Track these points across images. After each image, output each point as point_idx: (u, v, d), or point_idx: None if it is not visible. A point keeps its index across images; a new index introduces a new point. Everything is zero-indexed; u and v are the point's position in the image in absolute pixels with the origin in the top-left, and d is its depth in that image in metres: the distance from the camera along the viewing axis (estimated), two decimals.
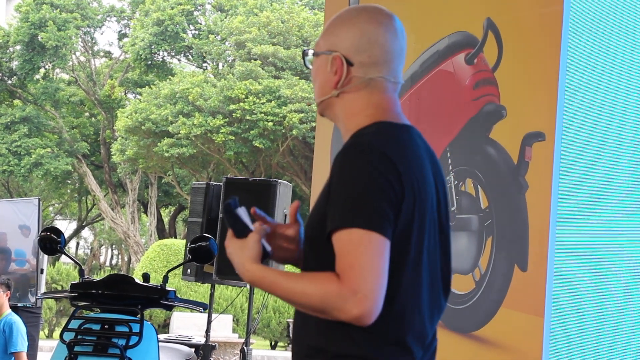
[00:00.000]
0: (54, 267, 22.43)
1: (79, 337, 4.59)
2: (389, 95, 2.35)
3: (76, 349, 4.58)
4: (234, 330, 17.72)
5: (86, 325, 4.63)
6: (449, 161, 4.93)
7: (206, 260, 4.79)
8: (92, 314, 4.78)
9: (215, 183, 7.81)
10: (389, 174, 2.19)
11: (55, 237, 4.69)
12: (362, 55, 2.33)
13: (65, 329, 4.64)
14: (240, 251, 2.30)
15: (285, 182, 7.58)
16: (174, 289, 4.85)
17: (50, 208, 36.85)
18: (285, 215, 7.34)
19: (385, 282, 2.16)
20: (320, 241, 2.24)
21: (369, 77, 2.33)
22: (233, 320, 18.35)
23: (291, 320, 21.25)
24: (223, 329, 15.92)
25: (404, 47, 2.38)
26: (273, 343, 22.35)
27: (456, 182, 4.89)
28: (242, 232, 2.31)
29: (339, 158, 2.25)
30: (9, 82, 29.70)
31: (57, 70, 29.93)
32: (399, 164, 2.21)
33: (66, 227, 38.70)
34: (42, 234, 4.73)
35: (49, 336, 21.23)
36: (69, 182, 32.01)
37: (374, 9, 2.38)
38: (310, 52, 2.43)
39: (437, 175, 2.36)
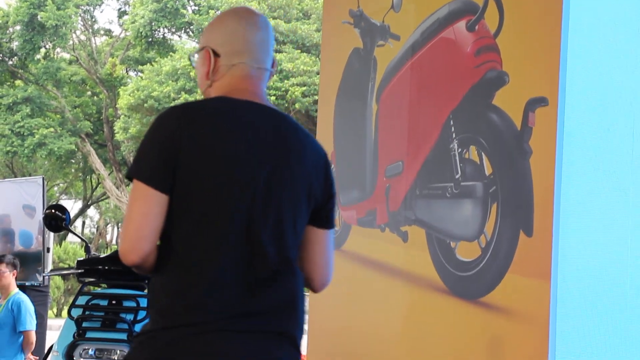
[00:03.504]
0: (60, 247, 22.48)
1: (87, 312, 4.60)
2: (249, 79, 2.67)
3: (84, 324, 4.59)
4: None
5: (94, 301, 4.64)
6: (452, 129, 4.92)
7: None
8: (99, 290, 4.79)
9: None
10: (171, 133, 2.48)
11: (60, 215, 4.70)
12: (226, 46, 2.67)
13: (73, 305, 4.66)
14: None
15: None
16: None
17: (55, 188, 36.88)
18: None
19: (145, 225, 2.44)
20: None
21: (231, 63, 2.66)
22: None
23: None
24: None
25: (266, 39, 2.72)
26: None
27: (460, 149, 4.88)
28: None
29: None
30: (10, 62, 29.65)
31: (58, 49, 29.85)
32: (186, 126, 2.49)
33: (72, 206, 38.75)
34: (47, 211, 4.74)
35: (58, 315, 21.31)
36: (73, 161, 32.02)
37: (241, 8, 2.74)
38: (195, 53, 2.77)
39: (281, 155, 2.57)
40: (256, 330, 2.48)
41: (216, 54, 2.67)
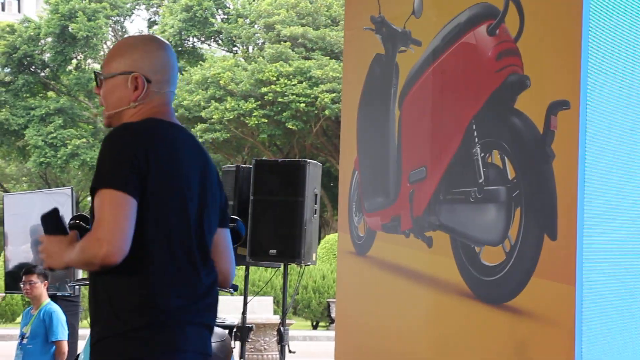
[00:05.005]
0: None
1: None
2: (168, 104, 2.92)
3: None
4: (275, 312, 17.79)
5: None
6: (475, 133, 4.91)
7: (234, 241, 4.80)
8: None
9: (245, 166, 7.82)
10: (136, 148, 2.73)
11: (84, 225, 4.71)
12: (158, 75, 2.90)
13: None
14: (59, 244, 2.89)
15: (315, 162, 7.57)
16: None
17: (89, 198, 37.11)
18: (316, 194, 7.34)
19: (127, 228, 2.68)
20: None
21: (161, 91, 2.91)
22: (274, 302, 18.42)
23: (331, 300, 21.19)
24: (264, 310, 16.01)
25: (175, 64, 2.98)
26: (314, 323, 22.42)
27: (483, 154, 4.87)
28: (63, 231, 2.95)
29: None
30: (42, 74, 29.91)
31: (89, 60, 30.09)
32: (147, 142, 2.75)
33: None
34: (71, 222, 4.75)
35: None
36: None
37: (155, 38, 2.97)
38: (110, 72, 2.92)
39: (205, 167, 2.89)
40: (203, 323, 2.82)
41: (148, 80, 2.88)
